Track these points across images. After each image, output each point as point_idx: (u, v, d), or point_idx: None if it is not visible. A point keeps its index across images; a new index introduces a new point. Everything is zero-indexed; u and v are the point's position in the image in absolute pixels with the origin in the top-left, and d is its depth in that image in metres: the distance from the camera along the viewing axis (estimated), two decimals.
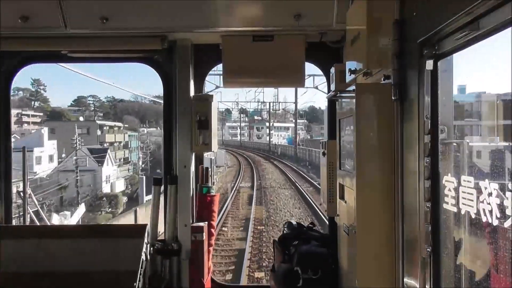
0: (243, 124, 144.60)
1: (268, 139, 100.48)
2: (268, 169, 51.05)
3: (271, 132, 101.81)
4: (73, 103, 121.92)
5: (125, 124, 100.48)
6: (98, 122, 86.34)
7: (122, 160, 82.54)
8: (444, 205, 2.65)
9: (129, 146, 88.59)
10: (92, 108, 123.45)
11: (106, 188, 58.51)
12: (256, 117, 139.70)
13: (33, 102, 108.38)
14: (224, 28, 4.95)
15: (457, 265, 2.72)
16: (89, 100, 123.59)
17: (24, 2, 4.64)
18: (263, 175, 44.43)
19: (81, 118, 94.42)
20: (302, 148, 66.12)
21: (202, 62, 5.51)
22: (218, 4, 4.78)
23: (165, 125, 5.46)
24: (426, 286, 2.81)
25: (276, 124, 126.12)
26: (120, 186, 60.83)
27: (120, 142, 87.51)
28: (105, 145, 76.97)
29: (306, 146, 69.34)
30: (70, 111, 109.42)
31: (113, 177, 63.16)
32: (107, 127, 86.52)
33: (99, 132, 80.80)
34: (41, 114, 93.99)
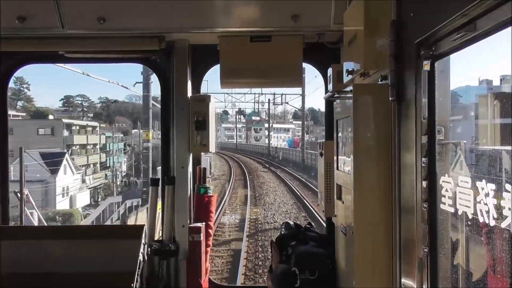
0: (240, 126, 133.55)
1: (267, 142, 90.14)
2: (269, 184, 35.51)
3: (270, 133, 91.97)
4: (65, 103, 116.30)
5: (116, 125, 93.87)
6: (65, 121, 72.47)
7: (98, 165, 72.95)
8: (441, 206, 2.66)
9: (108, 148, 76.70)
10: (80, 109, 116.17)
11: (64, 203, 45.55)
12: (254, 118, 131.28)
13: (15, 102, 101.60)
14: (222, 28, 4.95)
15: (454, 265, 2.73)
16: (77, 100, 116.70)
17: (21, 3, 4.63)
18: (262, 196, 29.32)
19: (51, 116, 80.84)
20: (309, 153, 50.40)
21: (199, 63, 5.50)
22: (216, 4, 4.78)
23: (163, 126, 5.46)
24: (424, 286, 2.82)
25: (275, 125, 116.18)
26: (83, 200, 47.28)
27: (95, 145, 76.23)
28: (73, 148, 66.98)
29: (312, 150, 49.39)
30: (57, 112, 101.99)
31: (73, 188, 50.19)
32: (77, 127, 73.77)
33: (66, 133, 67.82)
34: (24, 114, 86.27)
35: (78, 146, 70.04)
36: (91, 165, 71.50)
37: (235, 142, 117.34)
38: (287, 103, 69.04)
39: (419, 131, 2.84)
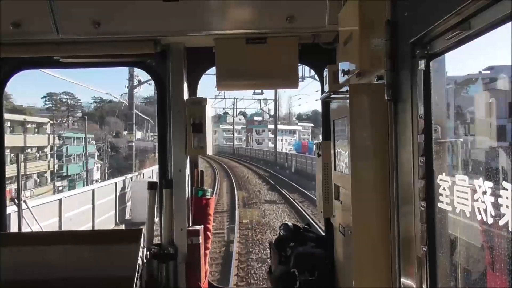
0: (240, 127, 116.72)
1: (270, 145, 77.61)
2: None
3: (275, 134, 73.17)
4: (48, 101, 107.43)
5: (107, 126, 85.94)
6: None
7: (48, 175, 56.70)
8: (439, 204, 2.66)
9: (66, 152, 59.60)
10: (65, 107, 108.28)
11: None
12: (256, 118, 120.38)
13: None
14: (217, 31, 4.95)
15: (453, 263, 2.73)
16: (61, 98, 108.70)
17: (16, 9, 4.62)
18: None
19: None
20: None
21: (195, 66, 5.50)
22: (211, 7, 4.78)
23: (159, 129, 5.46)
24: (423, 285, 2.82)
25: (280, 127, 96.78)
26: None
27: (42, 148, 57.30)
28: None
29: None
30: (41, 111, 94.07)
31: None
32: (7, 123, 45.47)
33: None
34: None
35: (9, 150, 47.04)
36: (33, 176, 53.93)
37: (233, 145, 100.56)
38: (313, 77, 33.82)
39: (416, 130, 2.85)
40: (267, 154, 67.30)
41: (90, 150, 59.24)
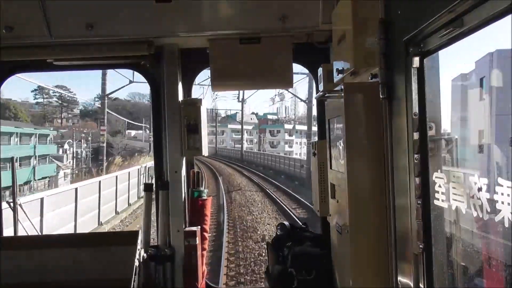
0: (251, 127, 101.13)
1: (287, 148, 63.98)
2: None
3: (287, 138, 59.70)
4: (38, 95, 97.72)
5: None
6: None
7: None
8: (435, 201, 2.67)
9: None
10: (59, 102, 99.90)
11: None
12: (269, 116, 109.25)
13: None
14: (211, 31, 4.95)
15: (449, 260, 2.74)
16: (54, 92, 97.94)
17: (8, 12, 4.59)
18: None
19: None
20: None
21: (190, 67, 5.50)
22: (204, 7, 4.78)
23: (155, 131, 5.45)
24: (420, 283, 2.83)
25: (298, 127, 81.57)
26: None
27: None
28: None
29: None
30: (26, 106, 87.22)
31: None
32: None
33: None
34: None
35: None
36: None
37: (246, 148, 79.55)
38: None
39: (411, 127, 2.85)
40: (289, 163, 43.37)
41: (50, 151, 47.64)
